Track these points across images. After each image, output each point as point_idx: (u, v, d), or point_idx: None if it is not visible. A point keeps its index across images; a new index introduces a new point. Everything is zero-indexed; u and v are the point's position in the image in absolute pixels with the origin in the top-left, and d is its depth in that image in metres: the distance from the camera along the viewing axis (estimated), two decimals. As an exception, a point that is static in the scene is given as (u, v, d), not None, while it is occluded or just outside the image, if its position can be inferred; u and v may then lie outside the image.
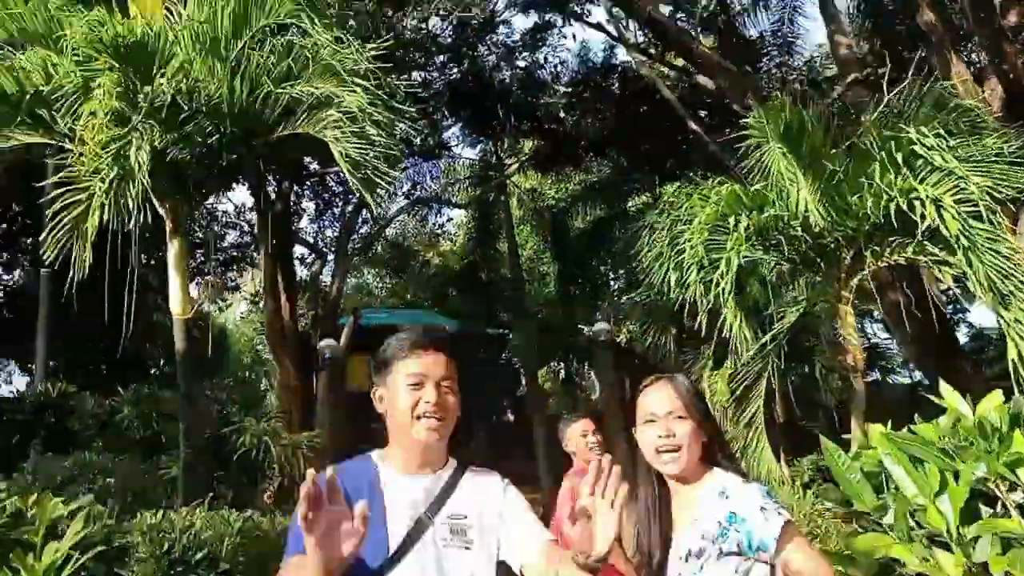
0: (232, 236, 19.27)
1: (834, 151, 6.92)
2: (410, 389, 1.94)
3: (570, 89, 18.57)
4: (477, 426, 18.09)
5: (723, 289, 6.01)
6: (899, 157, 6.15)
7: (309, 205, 19.42)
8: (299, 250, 20.23)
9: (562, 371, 29.06)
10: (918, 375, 23.10)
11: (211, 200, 18.30)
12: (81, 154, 5.43)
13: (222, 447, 7.76)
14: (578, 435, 4.54)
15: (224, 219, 18.98)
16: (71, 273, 5.39)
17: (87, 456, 6.38)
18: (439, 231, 22.36)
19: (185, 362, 6.31)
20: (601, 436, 4.55)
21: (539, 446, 16.01)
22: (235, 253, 19.19)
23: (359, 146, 5.41)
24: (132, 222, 5.40)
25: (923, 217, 5.75)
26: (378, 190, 5.86)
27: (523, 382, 23.90)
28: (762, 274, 9.02)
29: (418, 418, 1.93)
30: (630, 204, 20.16)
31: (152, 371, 19.47)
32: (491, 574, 1.92)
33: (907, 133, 6.21)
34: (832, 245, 6.90)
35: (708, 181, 7.27)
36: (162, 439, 7.93)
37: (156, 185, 5.54)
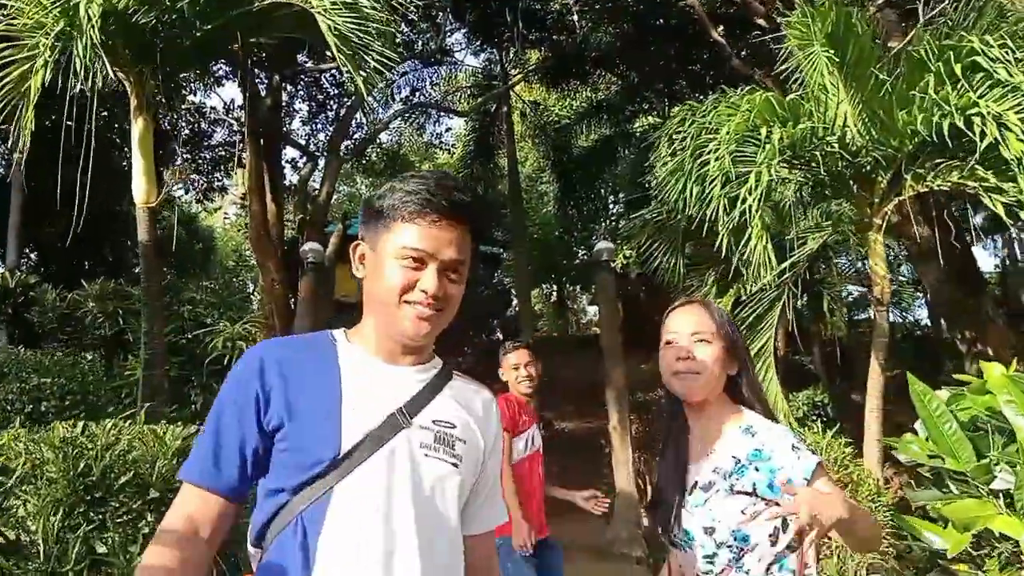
0: (220, 134, 18.44)
1: (881, 61, 6.23)
2: (405, 263, 1.39)
3: (582, -3, 17.55)
4: (464, 344, 17.75)
5: (750, 206, 5.39)
6: (958, 69, 5.47)
7: (303, 107, 18.56)
8: (291, 154, 19.46)
9: (554, 293, 28.66)
10: (920, 316, 22.79)
11: (197, 96, 17.48)
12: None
13: (193, 350, 7.23)
14: (510, 366, 4.34)
15: (212, 115, 18.13)
16: (17, 141, 4.71)
17: (21, 352, 5.76)
18: (437, 141, 21.46)
19: (148, 254, 5.70)
20: (536, 370, 4.34)
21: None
22: (223, 152, 18.39)
23: (350, 20, 4.69)
24: (90, 88, 4.69)
25: (983, 136, 5.12)
26: (371, 76, 5.15)
27: (514, 302, 23.50)
28: (782, 197, 8.44)
29: (407, 303, 1.40)
30: (637, 125, 19.39)
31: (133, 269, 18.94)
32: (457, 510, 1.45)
33: (969, 43, 5.52)
34: (869, 165, 6.28)
35: (736, 90, 6.58)
36: (129, 338, 7.38)
37: (118, 52, 4.81)
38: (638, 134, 18.61)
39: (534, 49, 18.59)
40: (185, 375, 7.30)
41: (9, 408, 4.35)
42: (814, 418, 12.07)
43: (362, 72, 5.31)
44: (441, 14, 16.27)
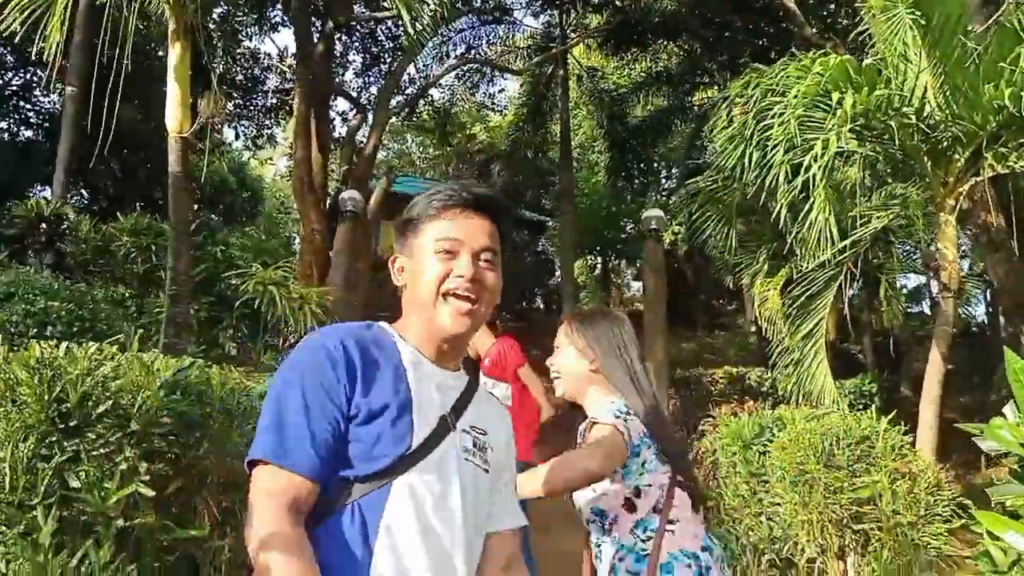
0: (273, 81, 18.36)
1: (969, 30, 5.77)
2: (440, 257, 1.45)
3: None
4: (504, 309, 17.54)
5: (814, 175, 5.02)
6: (1055, 40, 5.01)
7: (356, 58, 18.37)
8: (343, 106, 19.31)
9: (599, 266, 28.24)
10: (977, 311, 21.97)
11: (252, 41, 17.35)
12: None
13: (224, 292, 7.10)
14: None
15: (266, 62, 18.05)
16: (57, 72, 4.53)
17: (30, 272, 5.57)
18: (489, 102, 21.10)
19: (178, 186, 5.52)
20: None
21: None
22: (275, 100, 18.32)
23: (402, -54, 4.41)
24: (130, 11, 4.49)
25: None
26: (425, 28, 4.86)
27: (557, 272, 23.19)
28: (844, 176, 8.01)
29: (445, 296, 1.44)
30: (696, 98, 18.83)
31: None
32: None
33: (1070, 11, 5.05)
34: (947, 141, 5.84)
35: (808, 54, 6.15)
36: (161, 275, 7.28)
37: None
38: (696, 108, 18.10)
39: (596, 13, 18.08)
40: (215, 316, 7.18)
41: (12, 331, 4.20)
42: (860, 407, 11.68)
43: (417, 24, 5.06)
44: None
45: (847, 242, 6.44)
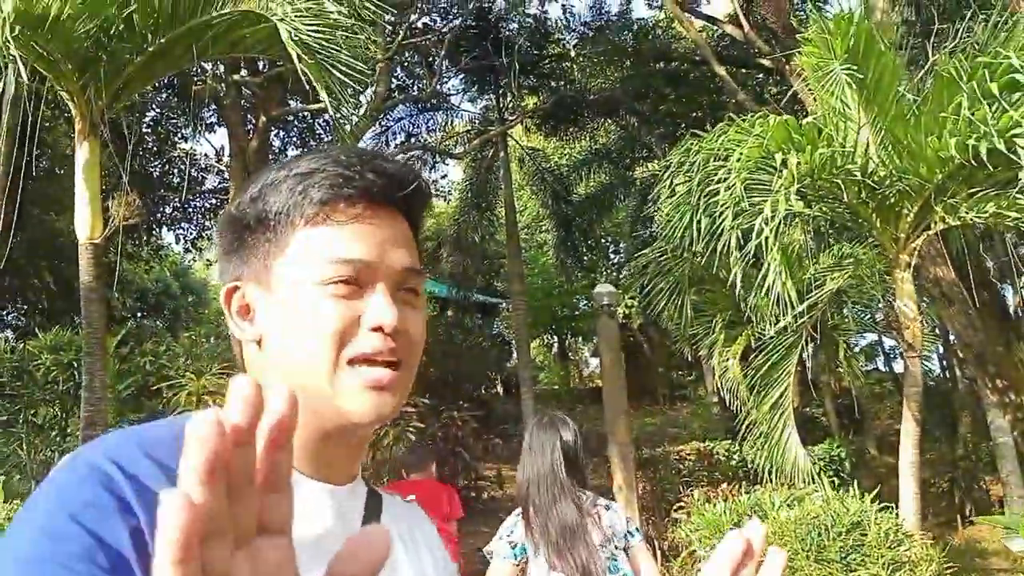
0: (212, 182, 18.08)
1: (906, 82, 5.72)
2: (333, 292, 0.78)
3: (581, 43, 17.34)
4: (461, 398, 17.01)
5: (766, 238, 4.80)
6: (994, 88, 4.93)
7: (295, 153, 18.19)
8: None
9: (555, 345, 27.96)
10: (932, 365, 22.05)
11: (188, 143, 17.13)
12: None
13: (154, 407, 6.59)
14: None
15: (203, 162, 17.80)
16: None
17: None
18: (434, 188, 21.02)
19: (91, 298, 5.06)
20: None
21: (528, 422, 14.98)
22: (214, 200, 18.00)
23: (314, 28, 4.16)
24: (32, 108, 4.14)
25: (1028, 159, 4.56)
26: (339, 90, 4.60)
27: (514, 354, 22.81)
28: (791, 240, 7.89)
29: (350, 363, 0.78)
30: (638, 172, 19.04)
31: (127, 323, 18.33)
32: None
33: (1006, 59, 4.99)
34: (894, 197, 5.71)
35: (747, 117, 6.04)
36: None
37: (58, 65, 4.27)
38: (639, 182, 18.26)
39: (532, 96, 18.30)
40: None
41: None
42: (831, 473, 11.35)
43: (343, 108, 4.83)
44: (437, 59, 15.98)
45: (804, 306, 6.20)
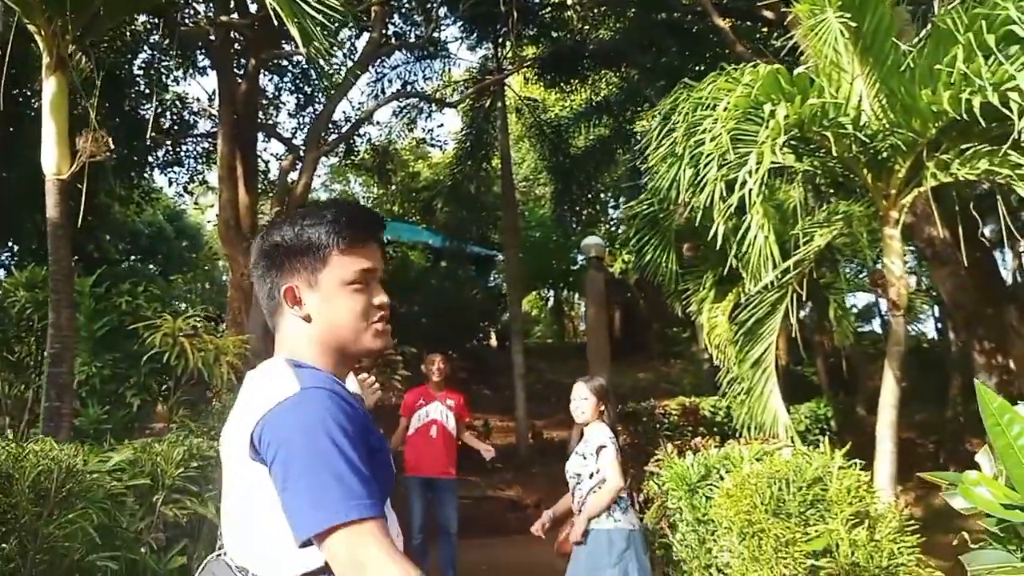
0: (205, 126, 17.80)
1: (901, 33, 5.54)
2: (356, 289, 1.50)
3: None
4: (454, 347, 16.99)
5: (750, 190, 4.68)
6: (991, 40, 4.77)
7: (290, 99, 17.93)
8: (278, 148, 18.80)
9: (551, 298, 27.93)
10: (926, 328, 22.02)
11: (181, 86, 16.82)
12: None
13: (130, 347, 6.54)
14: (428, 363, 6.74)
15: (195, 106, 17.52)
16: None
17: None
18: (429, 138, 20.76)
19: (57, 234, 4.97)
20: (445, 368, 6.70)
21: (518, 375, 15.03)
22: (207, 145, 17.75)
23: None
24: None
25: (1022, 114, 4.42)
26: (320, 36, 4.45)
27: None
28: (787, 196, 7.77)
29: (369, 324, 1.51)
30: (638, 126, 18.74)
31: (119, 265, 18.22)
32: None
33: (1004, 10, 4.81)
34: (886, 151, 5.57)
35: (738, 66, 5.87)
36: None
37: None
38: (638, 136, 18.00)
39: (532, 45, 17.95)
40: (121, 373, 6.59)
41: None
42: (817, 432, 11.38)
43: (313, 44, 4.67)
44: (434, 5, 15.64)
45: (790, 262, 6.09)
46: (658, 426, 9.37)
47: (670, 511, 4.39)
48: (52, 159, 4.85)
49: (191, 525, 3.63)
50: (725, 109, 5.07)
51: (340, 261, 1.46)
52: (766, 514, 2.90)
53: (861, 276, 11.52)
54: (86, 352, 6.52)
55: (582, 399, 4.56)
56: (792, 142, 5.61)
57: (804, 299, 7.01)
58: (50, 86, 4.80)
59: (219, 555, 1.38)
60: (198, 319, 6.60)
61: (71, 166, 4.89)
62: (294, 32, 4.23)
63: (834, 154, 5.46)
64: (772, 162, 4.88)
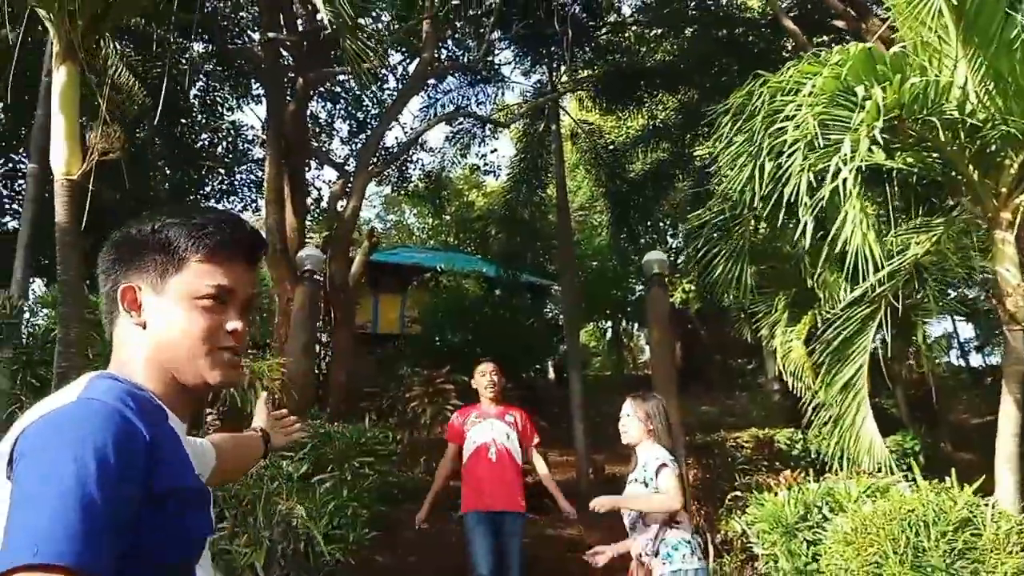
0: (259, 154, 17.77)
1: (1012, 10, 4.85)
2: (205, 305, 1.25)
3: (639, 11, 16.50)
4: (512, 383, 16.39)
5: (843, 180, 4.03)
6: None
7: (343, 126, 17.81)
8: (330, 176, 18.68)
9: (609, 330, 27.12)
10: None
11: (235, 114, 16.82)
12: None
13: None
14: (478, 374, 5.54)
15: (249, 134, 17.50)
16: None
17: None
18: (482, 163, 20.40)
19: (66, 241, 4.56)
20: (500, 379, 5.57)
21: (577, 408, 14.39)
22: (261, 173, 17.68)
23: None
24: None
25: None
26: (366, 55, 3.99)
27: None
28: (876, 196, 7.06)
29: (216, 349, 1.25)
30: (697, 151, 18.08)
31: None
32: None
33: None
34: (995, 144, 4.87)
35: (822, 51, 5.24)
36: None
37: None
38: (697, 161, 17.39)
39: (587, 68, 17.51)
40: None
41: None
42: (904, 469, 10.43)
43: (355, 43, 4.24)
44: (486, 27, 15.32)
45: (884, 272, 5.38)
46: (730, 460, 8.60)
47: (760, 557, 3.71)
48: (61, 157, 4.47)
49: None
50: (810, 93, 4.44)
51: (195, 269, 1.25)
52: (901, 566, 2.22)
53: (949, 298, 10.62)
54: (103, 366, 6.11)
55: (626, 416, 4.19)
56: (884, 136, 4.95)
57: (889, 320, 6.29)
58: (60, 76, 4.43)
59: None
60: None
61: (82, 165, 4.51)
62: (346, 49, 3.78)
63: (935, 148, 4.79)
64: (865, 158, 4.22)
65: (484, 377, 5.45)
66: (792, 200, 4.55)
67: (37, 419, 1.05)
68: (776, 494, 3.63)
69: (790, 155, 4.35)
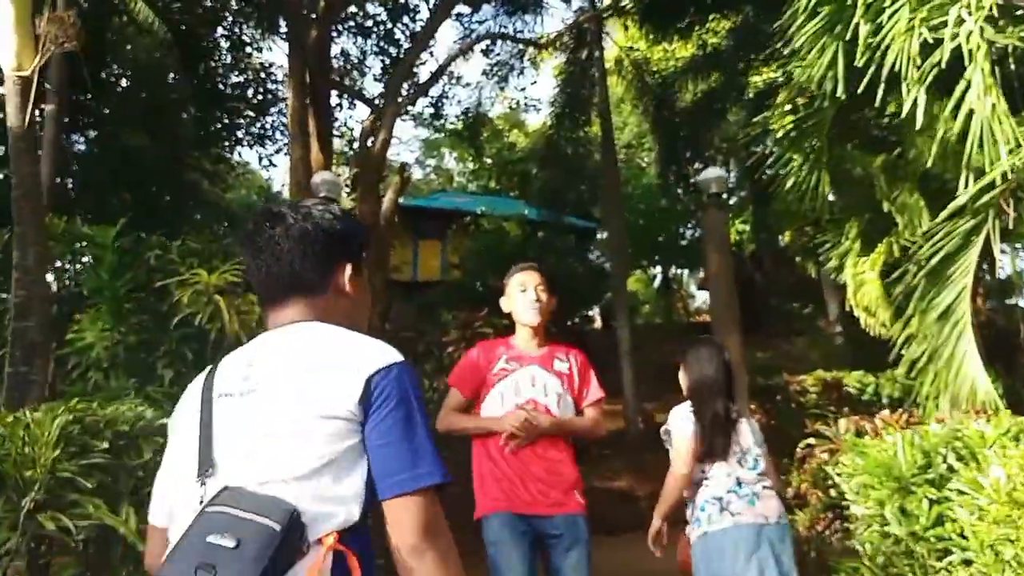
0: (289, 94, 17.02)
1: None
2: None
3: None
4: (556, 328, 15.66)
5: (968, 34, 3.10)
6: None
7: (375, 62, 16.97)
8: (362, 115, 17.96)
9: (658, 276, 26.11)
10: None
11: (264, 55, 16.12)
12: None
13: (158, 308, 5.53)
14: (515, 285, 3.44)
15: (280, 75, 16.78)
16: None
17: None
18: (522, 95, 19.45)
19: (20, 146, 3.86)
20: (551, 299, 3.44)
21: (624, 356, 13.70)
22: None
23: None
24: None
25: None
26: None
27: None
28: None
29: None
30: (753, 78, 16.81)
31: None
32: None
33: None
34: None
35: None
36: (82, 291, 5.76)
37: None
38: (753, 88, 16.18)
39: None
40: (149, 340, 5.56)
41: None
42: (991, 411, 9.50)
43: None
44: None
45: (990, 176, 4.42)
46: (796, 405, 7.77)
47: (857, 520, 2.89)
48: (11, 50, 3.76)
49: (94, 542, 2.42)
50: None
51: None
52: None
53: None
54: (109, 316, 5.52)
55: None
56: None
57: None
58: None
59: (215, 510, 1.19)
60: (239, 274, 5.50)
61: (35, 59, 3.80)
62: None
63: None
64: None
65: (525, 293, 3.37)
66: (888, 79, 3.62)
67: (391, 364, 1.36)
68: (881, 440, 2.80)
69: (893, 14, 3.41)
